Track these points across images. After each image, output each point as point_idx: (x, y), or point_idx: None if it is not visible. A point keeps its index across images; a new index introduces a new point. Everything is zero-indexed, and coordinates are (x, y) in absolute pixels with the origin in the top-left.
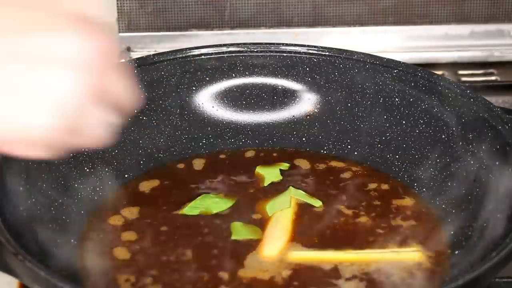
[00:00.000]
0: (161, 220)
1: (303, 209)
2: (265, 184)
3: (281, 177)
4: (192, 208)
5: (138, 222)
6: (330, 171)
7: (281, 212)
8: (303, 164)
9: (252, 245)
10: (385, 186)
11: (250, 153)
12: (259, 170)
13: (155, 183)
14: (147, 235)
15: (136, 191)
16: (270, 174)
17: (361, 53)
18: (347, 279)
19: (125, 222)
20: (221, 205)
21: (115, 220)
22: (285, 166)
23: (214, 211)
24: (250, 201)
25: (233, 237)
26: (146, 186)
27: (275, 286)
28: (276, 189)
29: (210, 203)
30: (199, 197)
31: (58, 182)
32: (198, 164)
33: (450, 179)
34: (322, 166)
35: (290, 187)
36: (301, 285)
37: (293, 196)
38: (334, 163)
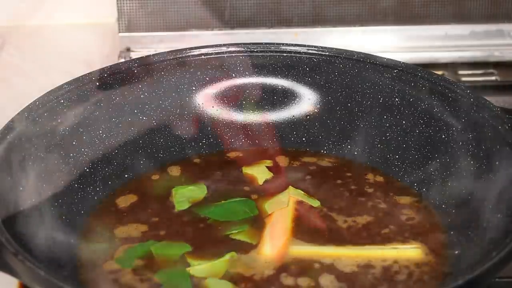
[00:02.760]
0: (162, 219)
1: (302, 208)
2: (260, 183)
3: (271, 174)
4: (180, 204)
5: (139, 222)
6: (329, 170)
7: (281, 211)
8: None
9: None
10: (384, 186)
11: (234, 154)
12: (247, 170)
13: (153, 181)
14: (147, 235)
15: (137, 188)
16: (260, 173)
17: (361, 53)
18: (345, 276)
19: (125, 222)
20: (198, 192)
21: (115, 220)
22: (268, 163)
23: (201, 197)
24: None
25: (227, 233)
26: (147, 183)
27: (272, 285)
28: (271, 187)
29: (189, 193)
30: (174, 193)
31: (58, 182)
32: (198, 164)
33: (450, 179)
34: (320, 165)
35: (290, 186)
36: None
37: (292, 196)
38: (333, 163)
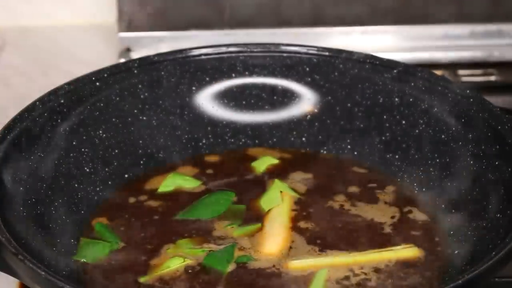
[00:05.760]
0: (162, 219)
1: (299, 206)
2: (262, 170)
3: (277, 161)
4: (165, 187)
5: (139, 222)
6: (328, 171)
7: (277, 208)
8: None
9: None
10: (384, 186)
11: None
12: (254, 164)
13: (155, 183)
14: (147, 234)
15: (138, 188)
16: (263, 162)
17: (361, 53)
18: (346, 281)
19: (126, 222)
20: (189, 182)
21: (116, 220)
22: (270, 159)
23: (190, 186)
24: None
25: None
26: (147, 183)
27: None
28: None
29: (181, 181)
30: (169, 176)
31: (58, 182)
32: (198, 164)
33: (450, 179)
34: (320, 165)
35: (276, 180)
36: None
37: (287, 192)
38: (332, 162)
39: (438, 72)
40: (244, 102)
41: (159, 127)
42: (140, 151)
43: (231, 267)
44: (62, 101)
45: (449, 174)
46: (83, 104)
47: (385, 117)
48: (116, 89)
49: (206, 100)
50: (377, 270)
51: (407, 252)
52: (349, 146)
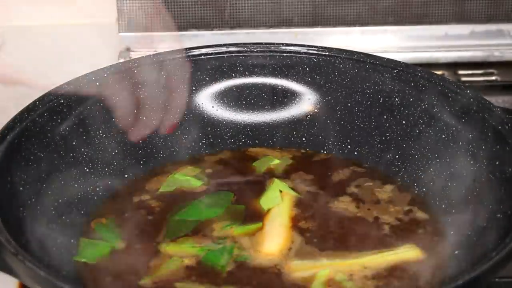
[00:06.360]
0: (163, 221)
1: (299, 206)
2: (263, 171)
3: (277, 161)
4: (167, 187)
5: (139, 221)
6: (328, 171)
7: (278, 208)
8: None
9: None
10: (384, 186)
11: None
12: (255, 164)
13: (156, 183)
14: (147, 234)
15: (137, 188)
16: (264, 162)
17: (361, 53)
18: (347, 282)
19: (126, 222)
20: (191, 182)
21: (115, 220)
22: (272, 159)
23: (192, 186)
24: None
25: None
26: (147, 183)
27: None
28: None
29: (182, 181)
30: (170, 176)
31: (58, 182)
32: (199, 164)
33: (450, 179)
34: (320, 166)
35: (275, 179)
36: None
37: (286, 192)
38: (332, 162)
39: (438, 72)
40: (244, 102)
41: (159, 127)
42: (140, 151)
43: (230, 266)
44: (62, 101)
45: (449, 174)
46: (83, 104)
47: (385, 117)
48: (116, 89)
49: (206, 100)
50: (377, 270)
51: (407, 252)
52: (349, 146)
